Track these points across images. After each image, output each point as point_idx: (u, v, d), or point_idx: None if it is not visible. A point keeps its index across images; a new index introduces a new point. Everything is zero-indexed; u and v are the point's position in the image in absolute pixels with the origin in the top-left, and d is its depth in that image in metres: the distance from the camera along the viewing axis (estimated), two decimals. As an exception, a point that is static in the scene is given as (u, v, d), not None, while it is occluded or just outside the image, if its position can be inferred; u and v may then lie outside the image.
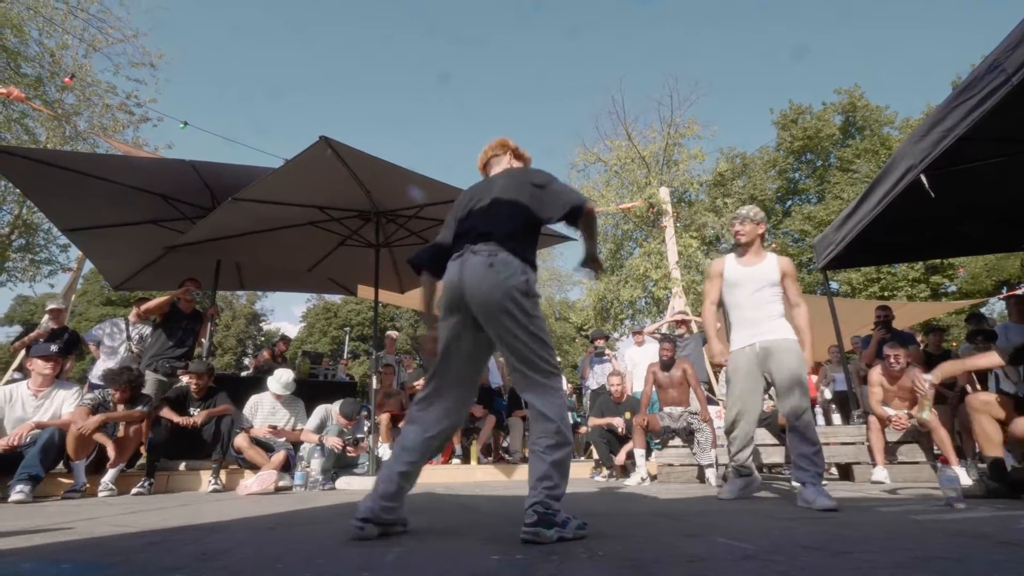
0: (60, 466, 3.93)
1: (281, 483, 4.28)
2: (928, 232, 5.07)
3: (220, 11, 55.45)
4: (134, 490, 3.97)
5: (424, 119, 66.27)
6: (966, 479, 3.85)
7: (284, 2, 59.33)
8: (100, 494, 3.85)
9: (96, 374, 5.45)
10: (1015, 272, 20.51)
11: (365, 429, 5.09)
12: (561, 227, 2.70)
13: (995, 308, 19.22)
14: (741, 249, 3.25)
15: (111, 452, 3.93)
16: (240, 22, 59.19)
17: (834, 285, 18.66)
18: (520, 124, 60.19)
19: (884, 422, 4.37)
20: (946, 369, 3.29)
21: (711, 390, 7.36)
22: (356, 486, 4.35)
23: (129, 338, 5.62)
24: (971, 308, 13.91)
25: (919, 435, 4.35)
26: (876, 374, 4.64)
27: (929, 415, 3.49)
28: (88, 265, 8.53)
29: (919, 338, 7.40)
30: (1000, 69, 2.87)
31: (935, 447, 4.30)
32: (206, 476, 4.34)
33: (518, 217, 2.00)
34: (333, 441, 4.54)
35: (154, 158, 8.01)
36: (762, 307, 3.11)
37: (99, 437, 3.92)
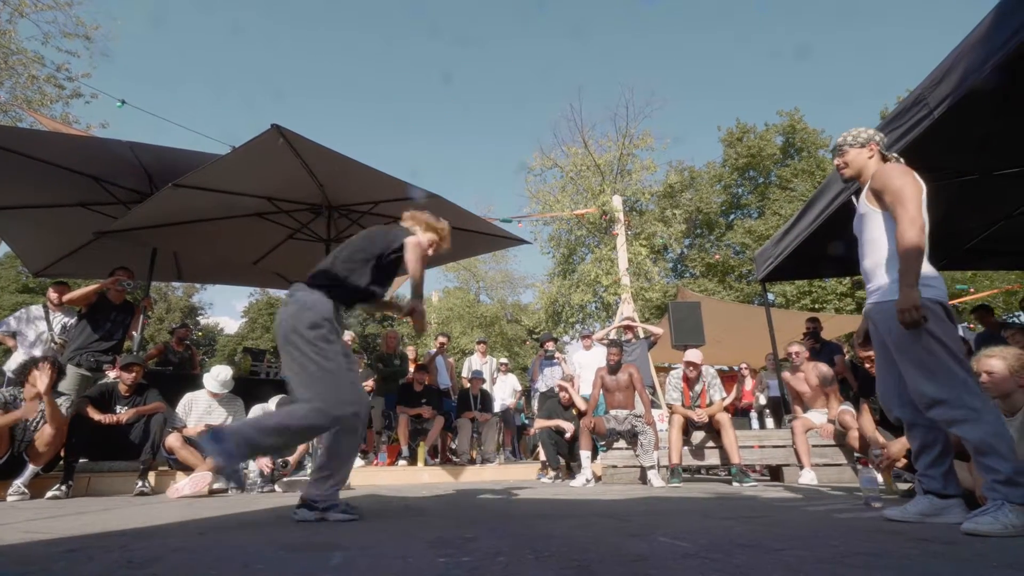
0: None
1: (216, 485, 4.08)
2: (858, 249, 5.46)
3: (218, 12, 52.43)
4: (49, 494, 3.66)
5: (426, 121, 63.67)
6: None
7: (283, 3, 56.54)
8: (10, 498, 3.54)
9: (12, 368, 5.00)
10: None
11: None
12: (513, 227, 2.86)
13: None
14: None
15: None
16: (239, 23, 55.98)
17: (771, 296, 19.65)
18: (515, 125, 59.28)
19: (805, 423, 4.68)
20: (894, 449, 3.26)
21: (655, 394, 7.60)
22: (297, 488, 4.19)
23: (50, 328, 5.19)
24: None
25: (842, 439, 4.65)
26: (796, 381, 4.92)
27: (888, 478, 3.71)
28: (4, 248, 7.83)
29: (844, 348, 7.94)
30: (923, 103, 3.14)
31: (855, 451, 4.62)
32: (133, 479, 4.07)
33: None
34: None
35: (86, 136, 7.46)
36: (866, 254, 2.32)
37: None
